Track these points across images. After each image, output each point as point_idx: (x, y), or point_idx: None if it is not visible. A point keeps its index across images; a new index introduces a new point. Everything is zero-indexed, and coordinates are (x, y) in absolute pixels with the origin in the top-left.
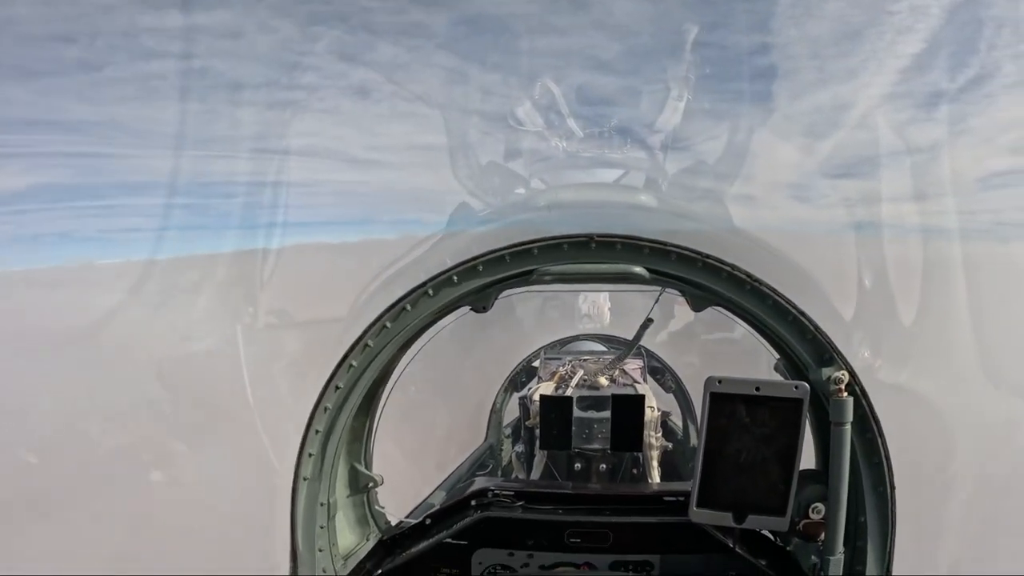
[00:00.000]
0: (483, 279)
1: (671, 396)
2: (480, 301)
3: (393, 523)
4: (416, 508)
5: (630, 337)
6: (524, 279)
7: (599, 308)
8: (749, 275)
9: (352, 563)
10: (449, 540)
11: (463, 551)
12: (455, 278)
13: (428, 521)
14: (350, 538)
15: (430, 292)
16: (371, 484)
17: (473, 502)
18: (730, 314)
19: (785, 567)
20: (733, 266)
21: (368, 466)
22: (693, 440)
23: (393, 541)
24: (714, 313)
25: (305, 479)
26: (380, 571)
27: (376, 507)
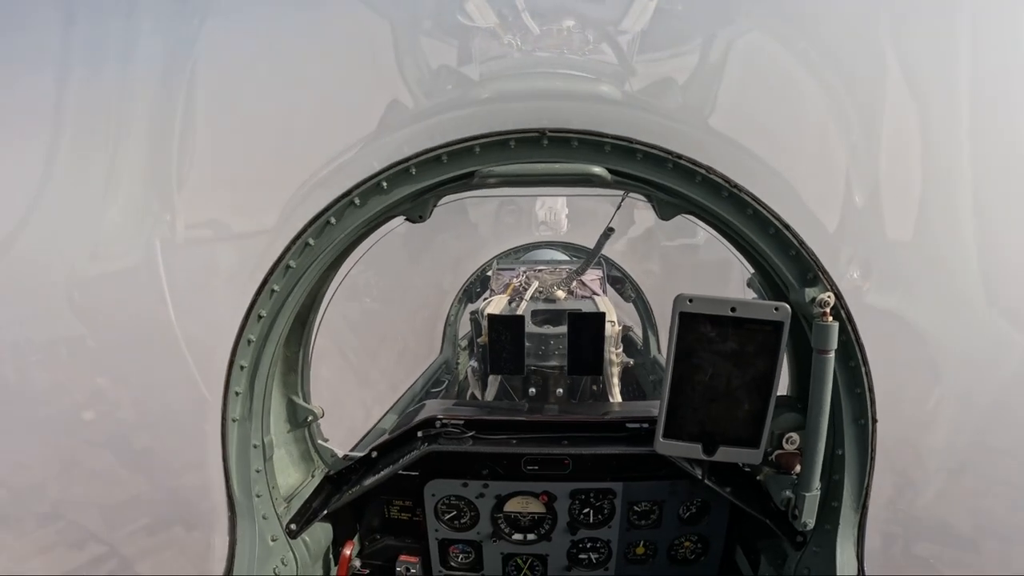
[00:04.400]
0: (417, 184)
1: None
2: (416, 210)
3: (340, 456)
4: (366, 434)
5: (590, 245)
6: (465, 182)
7: (556, 215)
8: (727, 180)
9: (297, 504)
10: (399, 472)
11: (415, 482)
12: (384, 184)
13: (375, 454)
14: (294, 476)
15: (356, 202)
16: (311, 418)
17: (420, 433)
18: (702, 223)
19: (753, 493)
20: (709, 168)
21: (306, 398)
22: (653, 352)
23: (340, 476)
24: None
25: (234, 420)
26: (327, 510)
27: (319, 441)
